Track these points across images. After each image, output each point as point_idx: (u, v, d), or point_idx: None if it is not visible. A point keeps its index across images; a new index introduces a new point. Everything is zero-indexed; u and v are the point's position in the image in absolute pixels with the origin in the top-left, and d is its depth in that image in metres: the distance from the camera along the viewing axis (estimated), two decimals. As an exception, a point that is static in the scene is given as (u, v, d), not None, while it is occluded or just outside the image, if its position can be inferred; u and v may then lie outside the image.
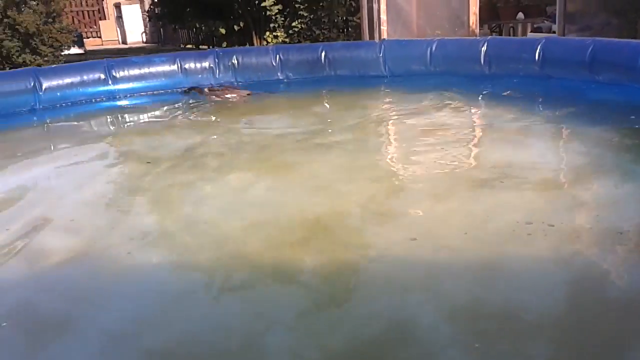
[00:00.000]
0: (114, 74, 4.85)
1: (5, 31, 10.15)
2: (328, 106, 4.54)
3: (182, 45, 15.68)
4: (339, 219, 2.49)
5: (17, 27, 10.23)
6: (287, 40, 9.15)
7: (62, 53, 11.16)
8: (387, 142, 3.69)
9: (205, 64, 5.15)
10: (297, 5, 8.86)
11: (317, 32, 9.04)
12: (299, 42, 9.06)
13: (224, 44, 11.24)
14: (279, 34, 9.29)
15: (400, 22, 7.07)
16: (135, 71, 4.93)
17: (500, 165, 2.91)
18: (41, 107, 4.62)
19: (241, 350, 1.70)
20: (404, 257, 2.16)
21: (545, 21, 7.28)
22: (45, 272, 2.26)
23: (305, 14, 8.97)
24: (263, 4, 8.92)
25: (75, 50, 11.78)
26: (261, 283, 2.11)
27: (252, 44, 11.51)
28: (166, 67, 5.04)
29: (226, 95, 4.84)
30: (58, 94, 4.67)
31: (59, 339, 1.84)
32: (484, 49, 4.53)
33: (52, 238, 2.49)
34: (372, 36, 6.79)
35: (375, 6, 6.70)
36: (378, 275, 2.08)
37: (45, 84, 4.61)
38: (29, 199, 2.91)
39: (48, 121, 4.55)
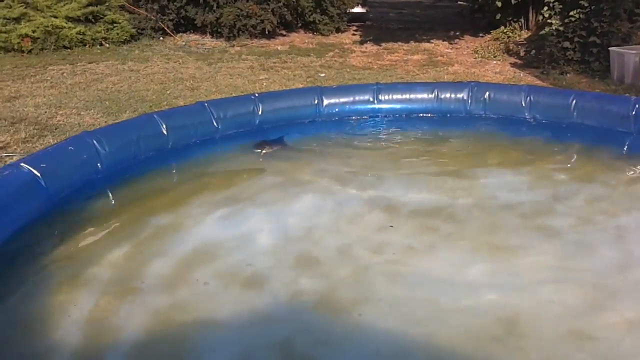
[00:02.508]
0: (380, 96, 5.67)
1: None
2: (564, 174, 4.73)
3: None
4: (535, 325, 2.93)
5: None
6: (561, 28, 8.98)
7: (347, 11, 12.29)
8: (611, 241, 3.68)
9: (460, 95, 5.69)
10: (578, -6, 8.59)
11: (595, 24, 8.67)
12: (574, 31, 8.84)
13: (498, 16, 11.31)
14: (553, 21, 9.14)
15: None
16: (397, 95, 5.69)
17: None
18: (320, 120, 5.65)
19: None
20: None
21: None
22: (297, 310, 3.13)
23: (586, 4, 8.64)
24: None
25: (358, 9, 12.86)
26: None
27: (527, 20, 11.38)
28: (425, 95, 5.69)
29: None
30: (334, 109, 5.65)
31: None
32: None
33: (303, 279, 3.33)
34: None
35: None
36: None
37: (325, 101, 5.62)
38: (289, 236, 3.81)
39: (323, 134, 5.56)
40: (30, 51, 9.61)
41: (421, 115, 5.75)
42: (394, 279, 3.36)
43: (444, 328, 2.97)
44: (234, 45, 11.15)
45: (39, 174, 3.81)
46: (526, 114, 5.57)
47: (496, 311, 3.05)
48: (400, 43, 11.40)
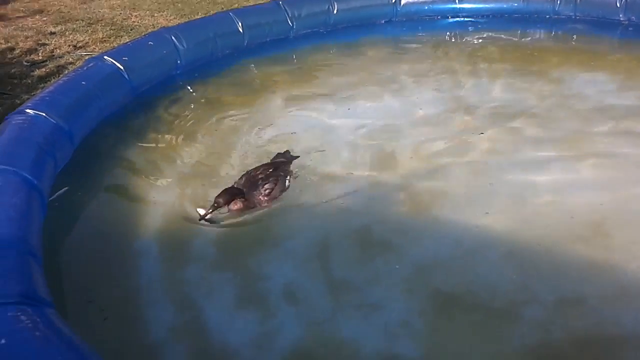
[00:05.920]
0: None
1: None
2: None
3: None
4: (621, 226, 2.83)
5: None
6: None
7: None
8: None
9: (550, -6, 5.34)
10: None
11: None
12: None
13: None
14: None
15: None
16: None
17: None
18: (397, 19, 5.45)
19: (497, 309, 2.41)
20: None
21: None
22: (375, 202, 3.11)
23: None
24: None
25: None
26: (532, 263, 2.65)
27: None
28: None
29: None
30: (412, 9, 5.43)
31: (380, 258, 2.70)
32: None
33: (382, 174, 3.33)
34: None
35: None
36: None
37: (403, 0, 5.39)
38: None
39: (400, 35, 5.37)
40: (101, -46, 9.60)
41: (506, 15, 5.46)
42: (475, 177, 3.29)
43: (528, 226, 2.90)
44: (303, -51, 10.75)
45: (122, 67, 3.87)
46: (621, 16, 5.19)
47: (582, 212, 2.96)
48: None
